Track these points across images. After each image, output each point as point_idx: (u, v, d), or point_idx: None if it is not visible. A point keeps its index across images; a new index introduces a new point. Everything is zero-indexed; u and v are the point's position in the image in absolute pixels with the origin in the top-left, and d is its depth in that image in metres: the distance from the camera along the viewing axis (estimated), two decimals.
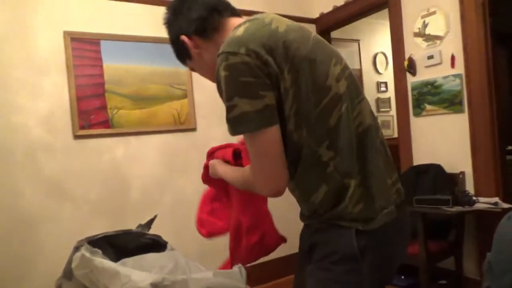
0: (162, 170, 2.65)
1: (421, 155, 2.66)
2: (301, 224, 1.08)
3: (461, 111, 2.40)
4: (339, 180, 0.91)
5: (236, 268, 1.02)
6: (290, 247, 2.49)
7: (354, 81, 0.98)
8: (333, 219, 0.93)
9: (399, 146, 2.82)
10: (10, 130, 2.19)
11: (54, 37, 2.33)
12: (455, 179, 2.38)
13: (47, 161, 2.28)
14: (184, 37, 1.04)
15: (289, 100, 0.89)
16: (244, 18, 1.03)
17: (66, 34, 2.35)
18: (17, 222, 2.18)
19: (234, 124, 0.89)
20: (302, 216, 1.05)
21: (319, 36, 1.01)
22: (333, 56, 0.96)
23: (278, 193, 0.94)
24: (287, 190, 0.98)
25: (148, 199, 2.57)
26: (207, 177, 1.29)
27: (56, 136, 2.32)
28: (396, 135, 3.34)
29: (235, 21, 1.05)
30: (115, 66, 2.52)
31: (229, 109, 0.89)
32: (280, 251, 3.01)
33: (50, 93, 2.31)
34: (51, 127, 2.31)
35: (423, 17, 2.59)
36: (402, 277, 2.31)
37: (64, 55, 2.35)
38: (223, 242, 2.86)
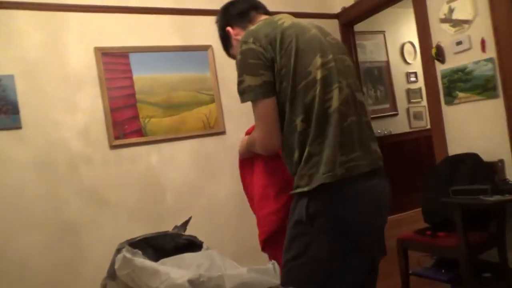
0: (194, 174, 2.72)
1: (456, 145, 2.58)
2: None
3: (495, 96, 2.31)
4: (305, 147, 1.15)
5: (270, 264, 1.04)
6: None
7: (336, 70, 1.17)
8: (295, 188, 1.18)
9: (432, 137, 2.76)
10: (51, 145, 2.32)
11: (86, 54, 2.45)
12: (493, 168, 2.29)
13: (87, 171, 2.40)
14: (229, 28, 1.37)
15: (279, 79, 1.15)
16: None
17: (97, 49, 2.47)
18: (63, 229, 2.30)
19: (242, 94, 1.18)
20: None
21: (319, 34, 1.23)
22: (323, 50, 1.18)
23: (271, 149, 1.24)
24: None
25: (182, 203, 2.64)
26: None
27: (94, 148, 2.43)
28: (429, 126, 3.26)
29: (264, 17, 1.33)
30: (144, 76, 2.61)
31: (239, 83, 1.18)
32: None
33: (85, 107, 2.43)
34: (88, 139, 2.42)
35: (448, 2, 2.52)
36: (443, 270, 2.25)
37: (96, 69, 2.46)
38: (257, 242, 2.87)
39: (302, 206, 1.14)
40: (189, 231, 1.53)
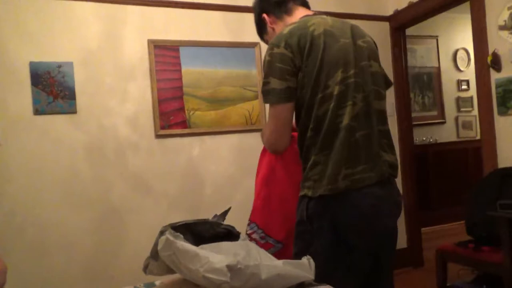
0: (234, 168, 2.77)
1: (507, 158, 2.46)
2: None
3: None
4: (310, 154, 1.24)
5: (305, 259, 1.05)
6: None
7: (354, 86, 1.22)
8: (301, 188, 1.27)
9: (482, 148, 2.64)
10: (102, 130, 2.45)
11: (140, 45, 2.56)
12: None
13: (132, 158, 2.51)
14: (264, 15, 1.41)
15: (300, 85, 1.22)
16: (312, 11, 1.38)
17: (150, 42, 2.57)
18: (108, 212, 2.43)
19: (266, 95, 1.24)
20: None
21: (349, 41, 1.26)
22: (346, 63, 1.23)
23: (276, 149, 1.34)
24: None
25: (220, 196, 2.70)
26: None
27: (140, 136, 2.54)
28: (478, 136, 3.12)
29: (302, 10, 1.38)
30: (193, 70, 2.69)
31: (264, 84, 1.24)
32: None
33: (135, 96, 2.54)
34: (136, 128, 2.54)
35: (509, 8, 2.39)
36: (484, 286, 2.16)
37: (147, 61, 2.57)
38: None
39: (303, 206, 1.25)
40: (231, 222, 1.58)
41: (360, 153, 1.22)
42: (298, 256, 1.21)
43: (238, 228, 1.59)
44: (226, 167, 2.76)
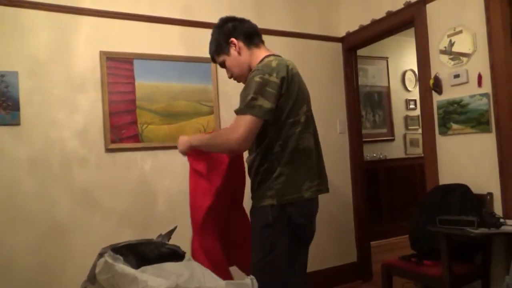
0: (187, 184, 2.73)
1: (447, 175, 2.61)
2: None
3: (488, 130, 2.35)
4: (276, 166, 1.53)
5: (248, 279, 1.06)
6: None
7: (310, 118, 1.64)
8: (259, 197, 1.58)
9: (425, 165, 2.79)
10: (48, 143, 2.35)
11: (91, 57, 2.49)
12: (482, 200, 2.32)
13: (80, 172, 2.42)
14: (233, 39, 1.65)
15: (279, 109, 1.51)
16: (269, 51, 1.69)
17: (102, 53, 2.51)
18: (52, 228, 2.31)
19: (250, 108, 1.46)
20: None
21: (305, 85, 1.67)
22: (307, 100, 1.64)
23: (239, 150, 1.59)
24: None
25: (174, 212, 2.65)
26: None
27: (89, 149, 2.46)
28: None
29: (265, 48, 1.70)
30: (146, 84, 2.65)
31: (251, 99, 1.46)
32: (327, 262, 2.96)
33: (85, 109, 2.46)
34: (85, 141, 2.45)
35: (449, 36, 2.58)
36: None
37: (99, 73, 2.50)
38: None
39: (266, 214, 1.52)
40: (178, 242, 1.56)
41: (316, 170, 1.60)
42: (267, 258, 1.49)
43: (189, 249, 1.57)
44: (180, 183, 2.71)
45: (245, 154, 1.73)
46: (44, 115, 2.35)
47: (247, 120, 1.46)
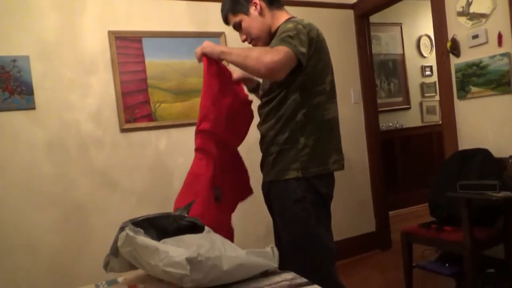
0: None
1: (467, 140, 2.55)
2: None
3: (509, 91, 2.27)
4: (299, 137, 1.44)
5: (268, 248, 1.06)
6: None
7: (333, 89, 1.54)
8: (283, 170, 1.49)
9: (443, 131, 2.73)
10: (63, 126, 2.37)
11: (100, 37, 2.48)
12: (504, 164, 2.26)
13: (97, 154, 2.45)
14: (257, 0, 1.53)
15: (303, 75, 1.42)
16: (290, 15, 1.58)
17: (111, 33, 2.49)
18: (73, 210, 2.36)
19: (285, 42, 1.34)
20: None
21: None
22: (331, 70, 1.54)
23: (273, 74, 1.36)
24: None
25: None
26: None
27: (104, 130, 2.47)
28: (441, 121, 3.22)
29: (286, 12, 1.59)
30: (157, 62, 2.63)
31: (287, 37, 1.35)
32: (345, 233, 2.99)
33: (98, 90, 2.47)
34: (99, 122, 2.46)
35: None
36: (447, 264, 2.24)
37: (109, 53, 2.49)
38: (264, 230, 2.91)
39: (293, 187, 1.44)
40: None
41: (339, 142, 1.54)
42: (300, 236, 1.44)
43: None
44: None
45: (255, 120, 1.68)
46: (58, 98, 2.36)
47: (284, 49, 1.33)
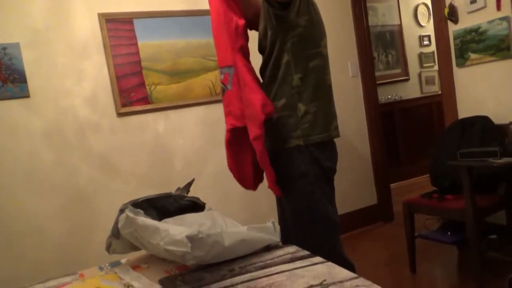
0: (202, 141, 2.74)
1: (466, 108, 2.53)
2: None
3: (508, 56, 2.23)
4: (296, 103, 1.39)
5: (269, 223, 1.06)
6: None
7: (327, 54, 1.47)
8: (285, 138, 1.44)
9: (443, 100, 2.70)
10: (60, 113, 2.35)
11: (90, 21, 2.43)
12: (504, 130, 2.25)
13: (95, 139, 2.43)
14: None
15: (296, 35, 1.36)
16: None
17: (101, 16, 2.44)
18: (75, 196, 2.37)
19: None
20: None
21: None
22: (325, 34, 1.46)
23: None
24: None
25: (191, 170, 2.67)
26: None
27: (101, 115, 2.45)
28: (440, 91, 3.19)
29: None
30: (149, 43, 2.59)
31: None
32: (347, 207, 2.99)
33: (92, 75, 2.43)
34: (96, 107, 2.44)
35: None
36: (449, 233, 2.26)
37: (100, 37, 2.45)
38: (265, 208, 2.91)
39: (296, 159, 1.40)
40: (197, 195, 1.57)
41: (335, 108, 1.50)
42: (304, 209, 1.42)
43: (210, 204, 1.58)
44: (194, 141, 2.72)
45: None
46: (52, 85, 2.33)
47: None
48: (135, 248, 1.09)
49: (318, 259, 0.93)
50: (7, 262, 2.19)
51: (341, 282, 0.78)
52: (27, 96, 2.26)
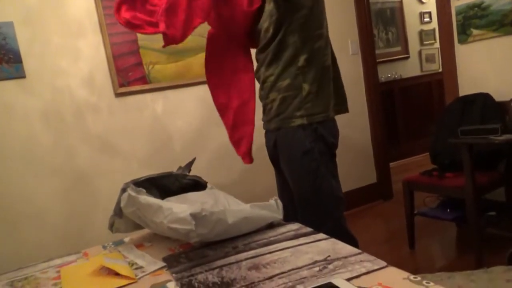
0: (201, 120, 2.72)
1: (467, 86, 2.51)
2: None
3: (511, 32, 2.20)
4: (301, 83, 1.41)
5: (272, 200, 1.06)
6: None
7: (328, 34, 1.49)
8: (288, 117, 1.47)
9: (444, 78, 2.68)
10: (57, 94, 2.32)
11: None
12: (505, 107, 2.24)
13: (94, 120, 2.41)
14: None
15: (302, 17, 1.38)
16: None
17: None
18: (76, 177, 2.36)
19: None
20: None
21: None
22: (325, 15, 1.47)
23: None
24: None
25: (191, 150, 2.66)
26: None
27: (99, 96, 2.43)
28: (441, 69, 3.16)
29: None
30: None
31: None
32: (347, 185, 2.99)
33: (88, 54, 2.39)
34: (93, 87, 2.41)
35: None
36: (448, 210, 2.28)
37: (96, 15, 2.39)
38: (267, 189, 2.92)
39: (300, 136, 1.43)
40: (198, 174, 1.56)
41: (337, 88, 1.54)
42: (310, 187, 1.43)
43: (211, 179, 1.58)
44: (193, 120, 2.70)
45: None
46: (48, 65, 2.29)
47: None
48: (138, 227, 1.09)
49: (321, 235, 0.93)
50: (9, 244, 2.20)
51: (345, 257, 0.78)
52: (23, 76, 2.23)
